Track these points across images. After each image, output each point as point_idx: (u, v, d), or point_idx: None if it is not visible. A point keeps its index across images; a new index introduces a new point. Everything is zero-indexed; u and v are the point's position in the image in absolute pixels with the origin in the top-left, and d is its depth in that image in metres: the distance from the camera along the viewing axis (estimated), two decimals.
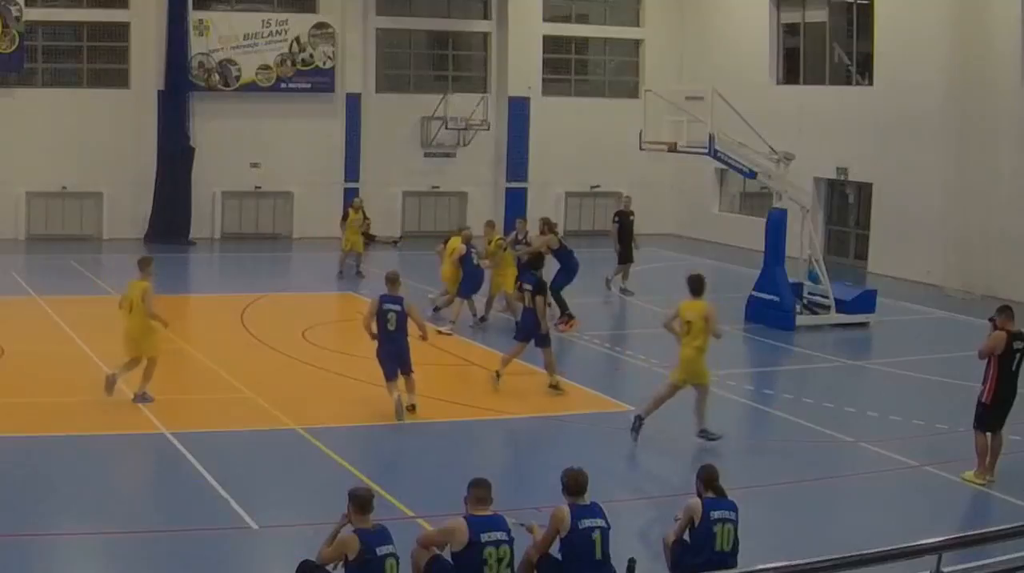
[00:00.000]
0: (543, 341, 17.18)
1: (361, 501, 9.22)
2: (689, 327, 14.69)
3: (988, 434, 13.60)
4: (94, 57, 32.84)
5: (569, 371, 18.68)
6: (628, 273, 25.94)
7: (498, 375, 17.27)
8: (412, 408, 15.68)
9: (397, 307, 15.54)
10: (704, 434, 14.80)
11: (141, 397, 15.82)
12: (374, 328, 15.58)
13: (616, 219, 26.34)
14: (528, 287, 17.35)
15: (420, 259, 31.74)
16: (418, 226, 35.66)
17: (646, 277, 27.27)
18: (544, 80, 36.49)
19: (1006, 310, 13.73)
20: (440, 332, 20.17)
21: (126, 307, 15.87)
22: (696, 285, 15.10)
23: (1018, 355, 13.59)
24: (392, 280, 15.84)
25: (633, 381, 18.47)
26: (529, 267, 18.35)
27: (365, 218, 34.21)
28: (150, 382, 15.89)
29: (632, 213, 26.38)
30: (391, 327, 15.48)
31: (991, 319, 13.90)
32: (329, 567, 9.26)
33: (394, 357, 15.57)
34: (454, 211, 35.95)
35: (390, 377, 15.56)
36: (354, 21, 34.35)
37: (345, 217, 28.56)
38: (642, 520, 12.32)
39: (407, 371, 15.75)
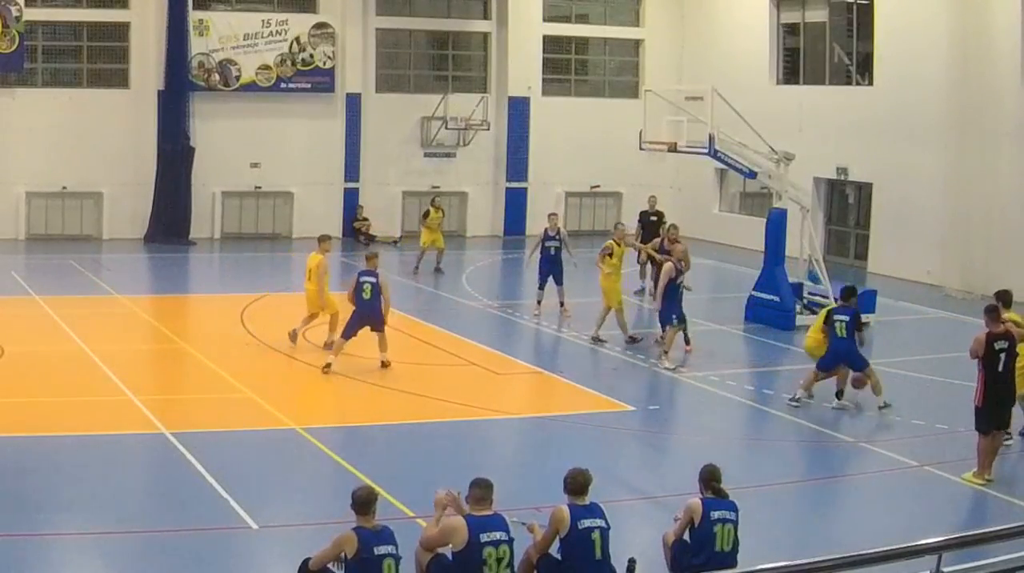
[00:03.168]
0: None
1: (360, 501, 9.20)
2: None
3: (990, 436, 13.57)
4: (94, 57, 32.82)
5: (569, 371, 18.69)
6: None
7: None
8: (386, 364, 17.97)
9: (372, 279, 18.08)
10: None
11: (330, 345, 18.66)
12: (351, 298, 18.06)
13: (639, 220, 25.29)
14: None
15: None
16: (418, 226, 35.61)
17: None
18: (544, 80, 36.51)
19: (990, 310, 13.60)
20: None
21: (307, 275, 19.49)
22: None
23: (1003, 355, 13.42)
24: (369, 258, 18.76)
25: (633, 381, 18.44)
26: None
27: (364, 219, 34.37)
28: (336, 332, 18.73)
29: (656, 214, 25.23)
30: (367, 296, 17.96)
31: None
32: (331, 565, 9.24)
33: (365, 318, 17.97)
34: (454, 211, 35.96)
35: (348, 335, 17.98)
36: (354, 21, 34.35)
37: (426, 215, 29.16)
38: (642, 520, 12.30)
39: (379, 329, 18.03)
